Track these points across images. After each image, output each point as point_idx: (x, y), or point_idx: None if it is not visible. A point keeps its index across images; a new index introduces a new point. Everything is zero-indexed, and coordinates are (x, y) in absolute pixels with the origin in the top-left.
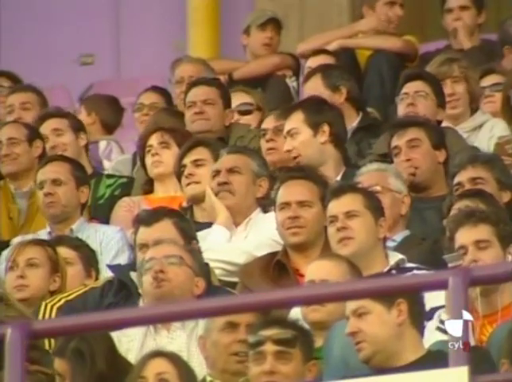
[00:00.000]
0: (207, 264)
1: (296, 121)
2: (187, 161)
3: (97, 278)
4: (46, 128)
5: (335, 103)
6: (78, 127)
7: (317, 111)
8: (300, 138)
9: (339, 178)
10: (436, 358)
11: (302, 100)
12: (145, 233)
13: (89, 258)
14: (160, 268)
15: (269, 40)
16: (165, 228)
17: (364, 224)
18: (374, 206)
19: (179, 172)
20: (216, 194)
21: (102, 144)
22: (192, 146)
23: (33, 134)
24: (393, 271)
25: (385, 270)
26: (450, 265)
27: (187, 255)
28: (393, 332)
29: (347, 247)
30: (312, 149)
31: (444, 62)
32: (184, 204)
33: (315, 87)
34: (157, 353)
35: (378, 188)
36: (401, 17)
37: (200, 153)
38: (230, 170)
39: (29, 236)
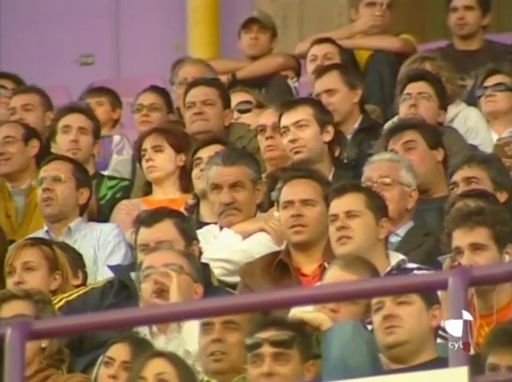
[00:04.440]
0: (205, 265)
1: (307, 114)
2: (203, 155)
3: (84, 279)
4: (73, 121)
5: (349, 101)
6: (98, 135)
7: (323, 110)
8: (308, 131)
9: (329, 179)
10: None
11: (305, 97)
12: (145, 234)
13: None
14: (155, 280)
15: (255, 41)
16: (166, 229)
17: (364, 224)
18: (377, 206)
19: (191, 165)
20: (222, 213)
21: (116, 138)
22: (208, 143)
23: (30, 134)
24: (395, 272)
25: (387, 270)
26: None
27: (185, 262)
28: (425, 331)
29: (344, 246)
30: (317, 145)
31: (416, 60)
32: (191, 201)
33: (332, 83)
34: (157, 353)
35: (388, 180)
36: (385, 16)
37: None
38: (234, 187)
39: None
